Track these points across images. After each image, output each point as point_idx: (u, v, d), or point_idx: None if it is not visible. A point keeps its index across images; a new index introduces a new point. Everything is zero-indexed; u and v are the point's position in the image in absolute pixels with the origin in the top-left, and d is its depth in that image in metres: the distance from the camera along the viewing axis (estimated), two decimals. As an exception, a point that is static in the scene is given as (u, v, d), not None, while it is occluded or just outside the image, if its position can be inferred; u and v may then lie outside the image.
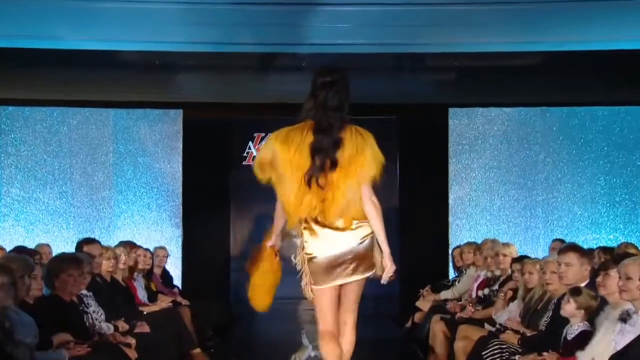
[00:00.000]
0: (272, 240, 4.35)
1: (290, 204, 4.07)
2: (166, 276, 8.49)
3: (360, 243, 4.11)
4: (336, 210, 4.06)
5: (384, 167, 4.17)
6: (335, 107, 4.13)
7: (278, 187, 4.11)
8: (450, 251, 9.61)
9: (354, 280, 4.15)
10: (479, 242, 8.17)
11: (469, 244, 8.34)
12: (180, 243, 10.00)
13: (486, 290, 7.09)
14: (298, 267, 4.22)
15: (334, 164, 4.06)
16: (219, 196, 10.39)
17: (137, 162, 10.03)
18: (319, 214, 4.06)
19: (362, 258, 4.11)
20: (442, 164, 10.08)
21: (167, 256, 8.43)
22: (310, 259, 4.11)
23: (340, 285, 4.18)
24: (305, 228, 4.12)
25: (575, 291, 4.82)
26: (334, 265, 4.09)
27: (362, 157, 4.09)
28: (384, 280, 4.18)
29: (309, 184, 4.04)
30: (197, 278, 9.84)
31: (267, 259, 4.35)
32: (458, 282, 8.07)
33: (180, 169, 10.06)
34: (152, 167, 10.06)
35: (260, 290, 4.40)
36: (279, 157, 4.07)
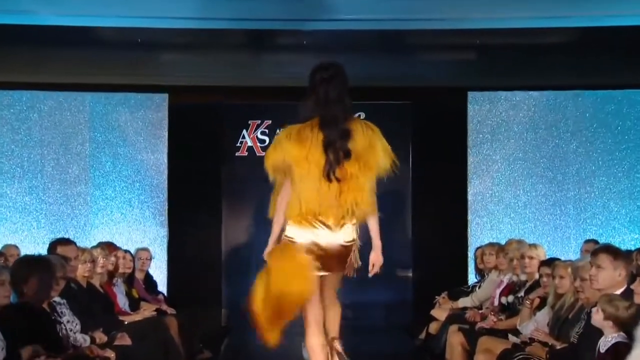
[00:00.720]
0: (269, 247, 4.94)
1: (311, 200, 4.76)
2: (150, 281, 8.53)
3: (345, 246, 4.88)
4: (352, 201, 4.78)
5: (395, 160, 4.89)
6: (336, 99, 4.81)
7: (296, 185, 4.78)
8: (469, 252, 9.77)
9: (329, 274, 4.93)
10: (502, 242, 8.21)
11: (490, 244, 8.38)
12: (165, 244, 10.02)
13: (510, 297, 7.13)
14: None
15: (348, 154, 4.77)
16: (210, 191, 10.36)
17: (117, 153, 10.03)
18: (336, 206, 4.79)
19: (342, 259, 4.89)
20: (461, 155, 10.10)
21: (150, 259, 8.47)
22: (291, 241, 4.84)
23: (321, 278, 4.92)
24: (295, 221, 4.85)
25: (605, 299, 4.81)
26: (313, 253, 4.82)
27: (375, 150, 4.82)
28: (371, 273, 4.96)
29: (328, 177, 4.76)
30: (185, 283, 9.86)
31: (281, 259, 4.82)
32: (479, 288, 8.12)
33: (166, 160, 10.06)
34: (134, 159, 10.06)
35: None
36: (294, 155, 4.78)
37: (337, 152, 4.76)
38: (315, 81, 4.86)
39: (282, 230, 4.92)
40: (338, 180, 4.76)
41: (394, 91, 10.19)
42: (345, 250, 4.86)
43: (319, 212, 4.76)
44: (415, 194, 10.36)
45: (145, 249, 8.54)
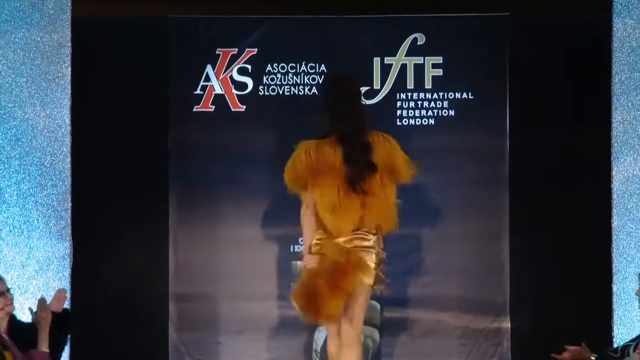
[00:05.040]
0: (305, 259, 7.83)
1: (332, 214, 7.62)
2: (22, 331, 8.23)
3: (369, 253, 7.74)
4: (376, 215, 7.66)
5: (415, 170, 7.84)
6: (354, 113, 7.78)
7: (317, 199, 7.68)
8: (613, 285, 10.03)
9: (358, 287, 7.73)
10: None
11: (653, 271, 8.53)
12: (67, 269, 10.14)
13: (690, 368, 7.10)
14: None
15: (372, 168, 7.63)
16: (148, 176, 10.33)
17: (-17, 108, 10.18)
18: (358, 221, 7.68)
19: (368, 267, 7.72)
20: (598, 109, 10.21)
21: (7, 290, 8.21)
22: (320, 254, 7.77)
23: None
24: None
25: None
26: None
27: (395, 163, 7.71)
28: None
29: (353, 189, 7.60)
30: (102, 336, 9.99)
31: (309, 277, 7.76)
32: (633, 351, 8.26)
33: (68, 120, 10.16)
34: (11, 117, 10.17)
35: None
36: (315, 170, 7.64)
37: (358, 165, 7.59)
38: (331, 97, 7.90)
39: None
40: (364, 192, 7.60)
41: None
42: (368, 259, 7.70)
43: (344, 227, 7.62)
44: (516, 181, 10.33)
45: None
